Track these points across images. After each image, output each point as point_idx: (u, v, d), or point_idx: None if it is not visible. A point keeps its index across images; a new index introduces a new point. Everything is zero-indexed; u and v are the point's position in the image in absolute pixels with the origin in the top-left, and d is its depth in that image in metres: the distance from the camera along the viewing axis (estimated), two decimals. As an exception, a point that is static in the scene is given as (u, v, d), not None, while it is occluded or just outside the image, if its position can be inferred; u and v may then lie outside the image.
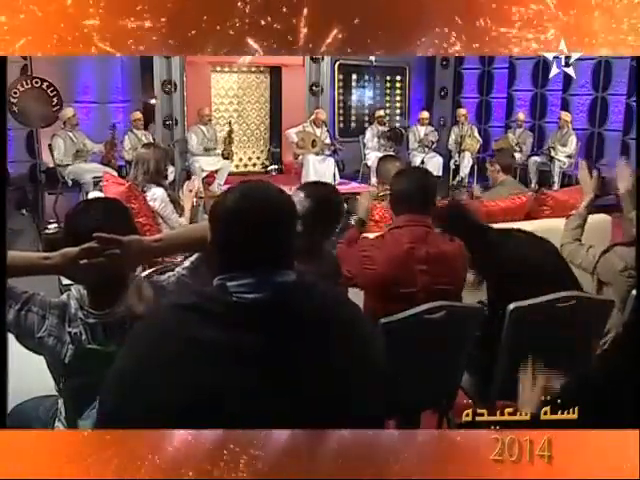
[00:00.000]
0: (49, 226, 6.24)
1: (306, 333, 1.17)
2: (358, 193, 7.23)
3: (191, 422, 1.12)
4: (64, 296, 1.71)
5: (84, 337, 1.64)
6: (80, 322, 1.64)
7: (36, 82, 6.91)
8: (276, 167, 9.16)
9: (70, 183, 7.18)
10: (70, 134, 7.33)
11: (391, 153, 7.84)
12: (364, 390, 1.22)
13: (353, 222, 2.75)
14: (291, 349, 1.14)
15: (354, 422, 1.19)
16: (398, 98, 10.75)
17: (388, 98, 10.65)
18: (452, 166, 9.17)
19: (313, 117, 8.72)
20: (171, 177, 6.22)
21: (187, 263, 1.76)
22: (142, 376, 1.14)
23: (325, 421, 1.16)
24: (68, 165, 7.22)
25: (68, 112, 7.32)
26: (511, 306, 2.30)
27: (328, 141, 8.52)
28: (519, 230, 2.62)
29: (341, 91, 10.29)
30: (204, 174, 8.10)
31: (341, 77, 10.23)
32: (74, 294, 1.68)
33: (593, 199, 2.81)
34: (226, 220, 1.21)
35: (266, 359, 1.13)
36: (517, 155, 8.98)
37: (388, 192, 2.61)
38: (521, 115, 9.36)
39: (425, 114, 9.54)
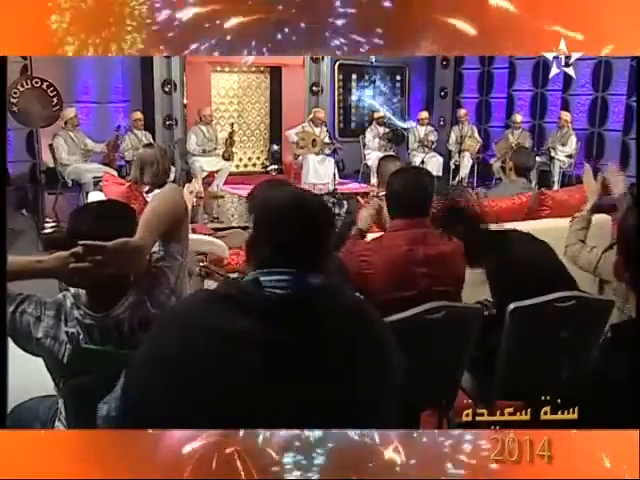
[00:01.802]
0: (46, 225, 6.23)
1: (330, 333, 1.19)
2: (358, 193, 7.23)
3: (212, 410, 1.13)
4: (60, 295, 1.71)
5: (81, 336, 1.64)
6: (76, 322, 1.64)
7: (36, 82, 6.91)
8: (276, 167, 9.16)
9: (70, 183, 7.18)
10: (71, 134, 7.34)
11: (391, 153, 7.84)
12: (382, 393, 1.24)
13: (353, 232, 2.71)
14: (314, 348, 1.16)
15: (369, 421, 1.21)
16: (398, 98, 10.75)
17: (388, 98, 10.65)
18: (452, 166, 9.17)
19: (311, 116, 8.74)
20: (171, 177, 6.22)
21: (161, 252, 1.75)
22: (164, 363, 1.17)
23: (338, 420, 1.17)
24: (69, 165, 7.23)
25: (70, 112, 7.33)
26: (511, 306, 2.30)
27: (328, 140, 8.53)
28: (516, 230, 2.62)
29: (341, 91, 10.30)
30: (204, 174, 8.11)
31: (341, 77, 10.24)
32: (71, 292, 1.68)
33: (597, 202, 2.81)
34: (272, 218, 1.27)
35: (290, 355, 1.14)
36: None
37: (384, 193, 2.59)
38: (518, 117, 9.32)
39: (424, 114, 9.54)
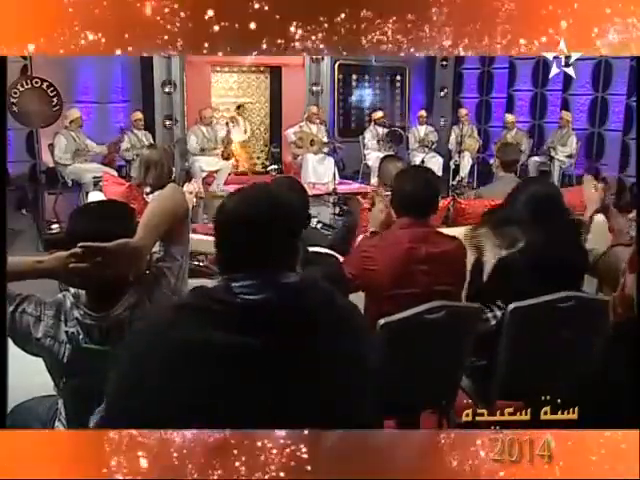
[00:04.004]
0: (52, 226, 6.24)
1: (307, 333, 1.17)
2: (358, 193, 7.21)
3: (194, 423, 1.13)
4: (60, 295, 1.71)
5: (81, 336, 1.64)
6: (76, 322, 1.64)
7: (36, 82, 6.90)
8: (276, 167, 9.16)
9: (70, 183, 7.18)
10: (73, 134, 7.34)
11: (392, 153, 7.83)
12: (363, 390, 1.22)
13: (370, 233, 2.69)
14: (293, 350, 1.15)
15: (354, 422, 1.19)
16: (398, 98, 10.75)
17: (388, 98, 10.65)
18: (452, 166, 9.17)
19: (306, 115, 8.74)
20: (172, 178, 6.22)
21: (162, 253, 1.75)
22: (144, 377, 1.15)
23: (324, 421, 1.16)
24: (67, 164, 7.23)
25: (74, 113, 7.35)
26: (511, 306, 2.30)
27: (327, 139, 8.52)
28: None
29: (341, 91, 10.29)
30: (204, 174, 8.11)
31: (341, 77, 10.23)
32: (71, 292, 1.68)
33: (598, 209, 2.82)
34: (229, 223, 1.24)
35: (269, 360, 1.13)
36: (517, 155, 8.97)
37: (390, 193, 2.59)
38: (509, 117, 9.26)
39: (422, 112, 9.56)
